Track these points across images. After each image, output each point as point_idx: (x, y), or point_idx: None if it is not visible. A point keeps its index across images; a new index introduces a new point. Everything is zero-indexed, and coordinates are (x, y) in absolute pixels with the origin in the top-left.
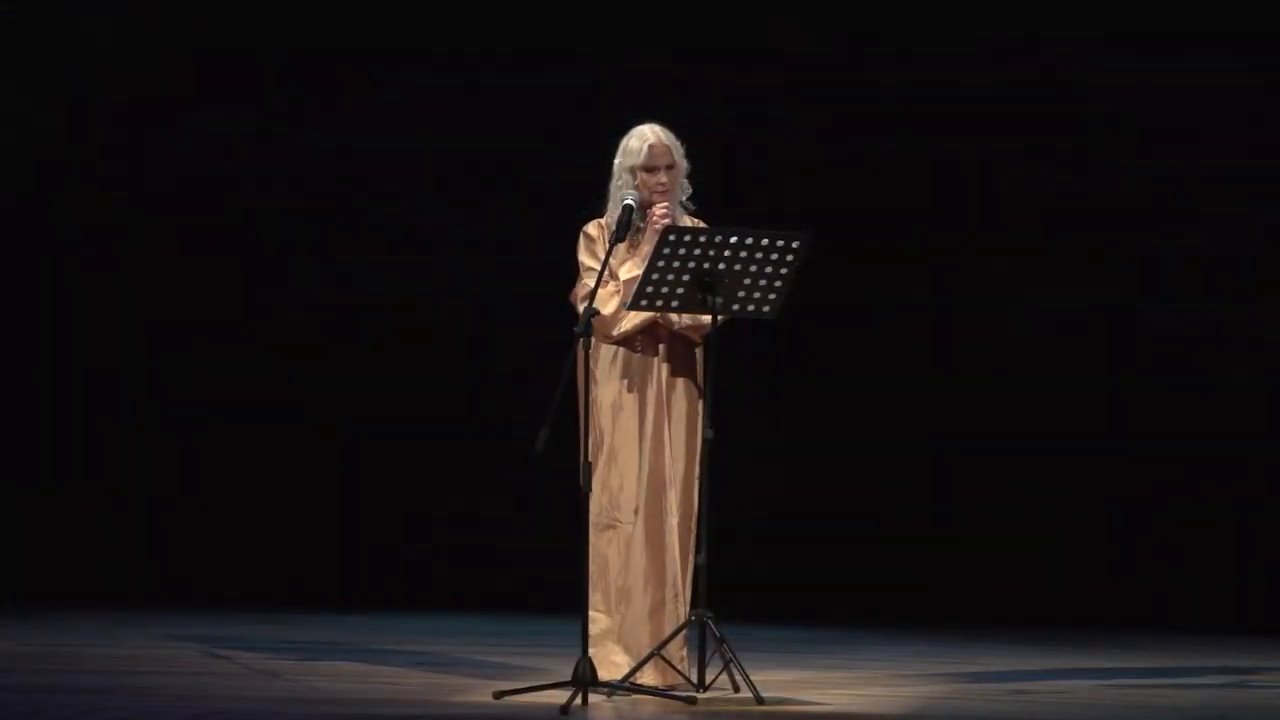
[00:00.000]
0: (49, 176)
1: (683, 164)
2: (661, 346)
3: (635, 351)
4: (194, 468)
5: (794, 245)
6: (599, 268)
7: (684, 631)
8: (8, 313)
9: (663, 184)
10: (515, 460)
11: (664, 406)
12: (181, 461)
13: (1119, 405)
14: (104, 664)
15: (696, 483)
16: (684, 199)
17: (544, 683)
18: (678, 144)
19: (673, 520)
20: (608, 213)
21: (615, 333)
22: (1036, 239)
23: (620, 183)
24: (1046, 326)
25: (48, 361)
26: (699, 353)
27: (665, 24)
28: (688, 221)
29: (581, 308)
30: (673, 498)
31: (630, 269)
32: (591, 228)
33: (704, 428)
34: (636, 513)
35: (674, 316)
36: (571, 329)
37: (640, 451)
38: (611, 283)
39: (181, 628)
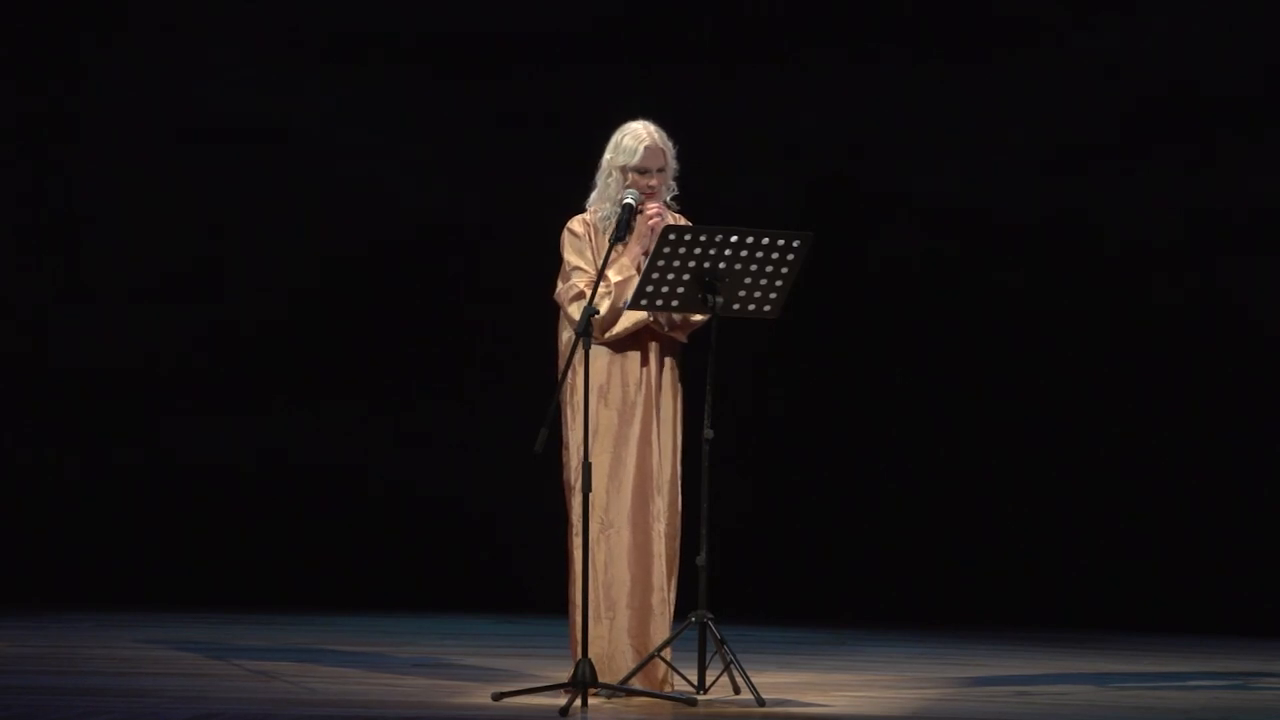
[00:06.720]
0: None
1: (673, 165)
2: (648, 348)
3: (622, 353)
4: (194, 469)
5: (795, 245)
6: (588, 267)
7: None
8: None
9: (652, 186)
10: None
11: (652, 408)
12: (182, 463)
13: (1119, 406)
14: (102, 666)
15: (680, 484)
16: (669, 198)
17: (543, 684)
18: (670, 145)
19: (660, 524)
20: (592, 208)
21: (608, 334)
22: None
23: (611, 180)
24: (1048, 325)
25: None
26: (684, 354)
27: None
28: (673, 220)
29: (572, 308)
30: (660, 501)
31: (619, 270)
32: (576, 224)
33: (705, 427)
34: (624, 517)
35: (661, 319)
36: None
37: (628, 455)
38: (601, 284)
39: (179, 630)
